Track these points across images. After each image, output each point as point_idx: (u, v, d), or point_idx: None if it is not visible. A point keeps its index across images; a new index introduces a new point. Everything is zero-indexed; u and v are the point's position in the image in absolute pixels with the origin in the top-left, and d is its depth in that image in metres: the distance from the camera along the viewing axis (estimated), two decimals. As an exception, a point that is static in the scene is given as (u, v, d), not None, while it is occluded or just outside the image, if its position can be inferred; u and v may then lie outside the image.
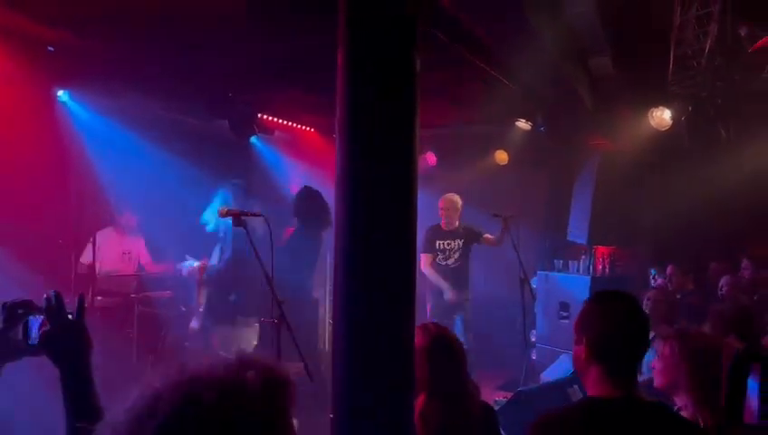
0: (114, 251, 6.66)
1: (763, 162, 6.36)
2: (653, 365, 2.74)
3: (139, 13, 5.18)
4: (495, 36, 4.41)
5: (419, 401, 2.58)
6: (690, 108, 5.91)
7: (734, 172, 6.61)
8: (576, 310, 7.73)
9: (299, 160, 9.10)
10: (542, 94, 6.31)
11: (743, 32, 4.29)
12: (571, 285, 7.56)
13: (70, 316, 1.68)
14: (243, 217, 3.81)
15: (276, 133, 8.81)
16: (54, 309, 1.65)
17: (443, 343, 2.71)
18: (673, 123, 6.45)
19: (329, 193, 9.10)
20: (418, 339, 2.66)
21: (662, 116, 6.41)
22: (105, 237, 6.56)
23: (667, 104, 6.35)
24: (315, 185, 9.30)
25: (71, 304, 1.71)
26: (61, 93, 5.99)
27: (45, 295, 1.67)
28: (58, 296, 1.67)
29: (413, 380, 2.40)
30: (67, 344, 1.64)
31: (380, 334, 2.28)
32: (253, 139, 8.15)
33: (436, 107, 7.83)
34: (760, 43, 4.18)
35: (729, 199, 6.79)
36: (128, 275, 6.49)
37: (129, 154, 6.39)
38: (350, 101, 2.29)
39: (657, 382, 2.74)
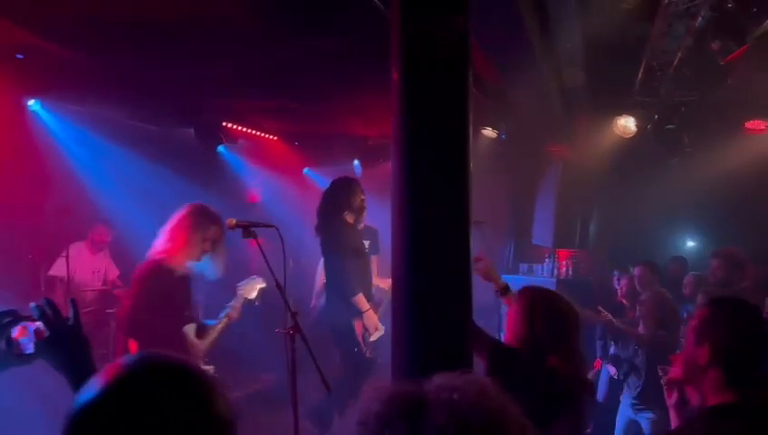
0: (85, 268, 6.43)
1: (721, 168, 6.74)
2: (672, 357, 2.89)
3: (110, 21, 5.07)
4: (496, 64, 4.52)
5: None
6: (656, 116, 6.20)
7: (693, 177, 6.98)
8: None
9: (263, 168, 9.07)
10: (515, 104, 6.49)
11: (716, 46, 4.54)
12: (537, 287, 7.78)
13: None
14: (252, 229, 3.78)
15: (240, 142, 8.74)
16: (51, 316, 1.65)
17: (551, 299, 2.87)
18: (637, 130, 6.75)
19: (295, 198, 9.13)
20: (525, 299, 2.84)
21: (626, 124, 6.70)
22: (77, 252, 6.31)
23: (631, 112, 6.64)
24: (278, 191, 9.30)
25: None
26: (32, 102, 5.78)
27: (36, 304, 1.67)
28: (51, 303, 1.67)
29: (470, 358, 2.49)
30: (70, 348, 1.65)
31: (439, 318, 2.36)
32: (220, 148, 8.05)
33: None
34: (734, 55, 4.44)
35: (689, 203, 7.15)
36: (100, 289, 6.31)
37: (104, 164, 6.23)
38: (407, 112, 2.34)
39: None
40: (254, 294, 4.35)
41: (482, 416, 0.93)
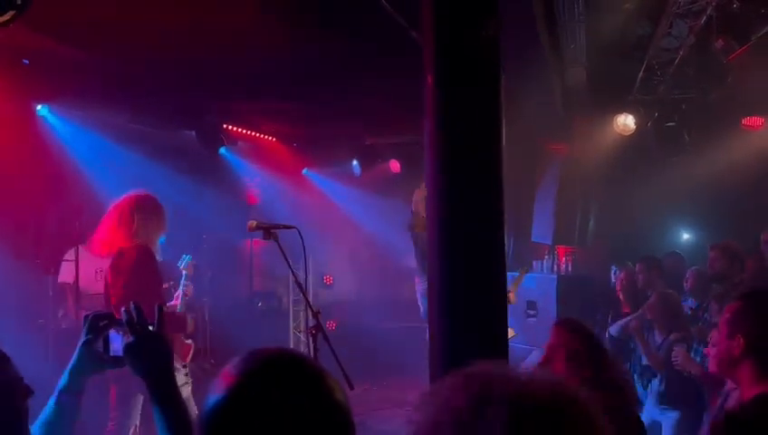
0: (90, 269, 6.41)
1: (719, 164, 6.85)
2: (707, 352, 2.92)
3: (116, 27, 5.09)
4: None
5: None
6: (656, 114, 6.30)
7: (691, 174, 7.08)
8: (544, 308, 7.99)
9: (263, 169, 9.11)
10: (517, 103, 6.56)
11: (719, 44, 4.64)
12: (539, 284, 7.88)
13: (150, 328, 1.68)
14: (273, 230, 3.82)
15: (240, 144, 8.77)
16: (135, 321, 1.65)
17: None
18: (636, 128, 6.84)
19: (287, 196, 9.16)
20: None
21: (626, 122, 6.78)
22: (80, 255, 6.28)
23: (630, 110, 6.73)
24: (276, 191, 9.33)
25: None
26: (40, 108, 5.78)
27: (124, 308, 1.67)
28: (138, 308, 1.68)
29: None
30: (150, 355, 1.65)
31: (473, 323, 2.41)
32: (222, 149, 8.07)
33: (402, 115, 7.99)
34: (737, 53, 4.53)
35: (687, 199, 7.24)
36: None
37: (110, 167, 6.23)
38: (441, 114, 2.40)
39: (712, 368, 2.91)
40: (191, 270, 4.80)
41: (580, 408, 0.93)
